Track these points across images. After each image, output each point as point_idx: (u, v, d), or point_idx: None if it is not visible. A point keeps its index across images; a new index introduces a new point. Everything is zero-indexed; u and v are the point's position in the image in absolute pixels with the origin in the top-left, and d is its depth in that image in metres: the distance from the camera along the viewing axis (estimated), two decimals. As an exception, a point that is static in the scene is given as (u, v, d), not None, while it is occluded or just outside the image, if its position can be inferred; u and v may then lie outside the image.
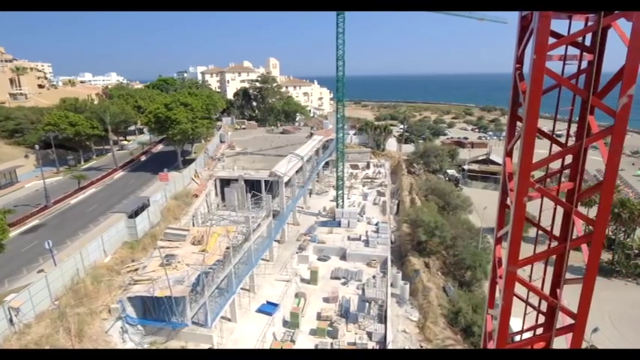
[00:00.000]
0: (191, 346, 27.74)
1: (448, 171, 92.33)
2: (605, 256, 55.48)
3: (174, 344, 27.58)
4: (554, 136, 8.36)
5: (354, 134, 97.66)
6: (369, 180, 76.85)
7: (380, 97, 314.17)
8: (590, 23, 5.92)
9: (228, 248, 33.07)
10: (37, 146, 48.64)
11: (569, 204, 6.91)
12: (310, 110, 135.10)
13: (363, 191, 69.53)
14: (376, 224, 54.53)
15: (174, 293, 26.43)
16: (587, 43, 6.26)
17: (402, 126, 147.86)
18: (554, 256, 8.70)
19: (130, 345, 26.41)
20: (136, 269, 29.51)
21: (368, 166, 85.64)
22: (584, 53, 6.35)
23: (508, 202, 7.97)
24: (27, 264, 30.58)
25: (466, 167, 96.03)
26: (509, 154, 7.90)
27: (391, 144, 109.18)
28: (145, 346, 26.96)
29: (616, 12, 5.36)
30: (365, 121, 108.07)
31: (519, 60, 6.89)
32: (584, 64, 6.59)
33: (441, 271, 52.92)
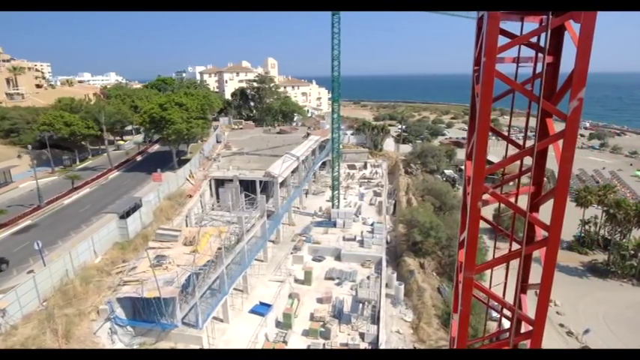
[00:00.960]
0: (181, 347, 27.66)
1: (445, 171, 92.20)
2: (601, 256, 55.44)
3: (164, 345, 27.50)
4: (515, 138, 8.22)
5: (352, 134, 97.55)
6: (366, 180, 76.77)
7: (379, 97, 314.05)
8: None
9: (219, 249, 32.97)
10: (29, 146, 48.51)
11: (522, 209, 6.79)
12: (308, 110, 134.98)
13: (359, 191, 69.41)
14: (372, 225, 54.42)
15: (163, 294, 26.33)
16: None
17: (400, 126, 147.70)
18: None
19: (119, 346, 26.33)
20: (126, 270, 29.41)
21: (365, 167, 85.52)
22: (541, 55, 6.21)
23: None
24: (17, 265, 30.49)
25: (464, 167, 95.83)
26: (469, 157, 7.78)
27: (389, 144, 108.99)
28: (135, 347, 26.89)
29: (565, 13, 5.23)
30: (363, 121, 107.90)
31: (477, 62, 6.76)
32: (541, 67, 6.44)
33: (436, 272, 52.81)
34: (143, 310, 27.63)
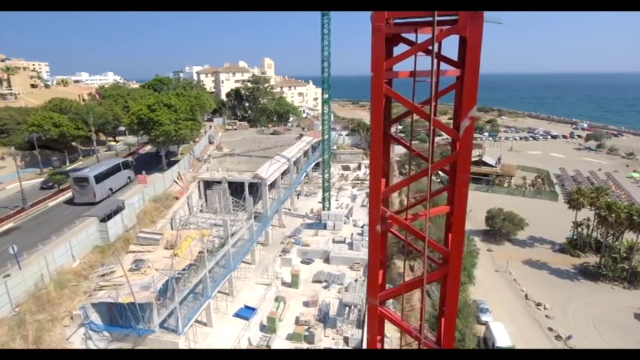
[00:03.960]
0: (158, 352, 27.28)
1: (440, 172, 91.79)
2: (593, 259, 55.02)
3: (141, 351, 27.11)
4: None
5: (347, 135, 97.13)
6: (359, 182, 76.31)
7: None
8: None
9: (201, 252, 32.58)
10: (12, 147, 48.15)
11: (421, 233, 6.39)
12: (304, 111, 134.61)
13: (352, 193, 68.98)
14: (362, 227, 54.00)
15: (139, 299, 25.96)
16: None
17: (398, 126, 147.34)
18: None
19: (95, 352, 25.96)
20: (104, 274, 29.05)
21: (359, 168, 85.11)
22: (453, 69, 5.79)
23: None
24: (-5, 269, 30.08)
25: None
26: (383, 175, 7.36)
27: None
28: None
29: (450, 27, 4.81)
30: (358, 122, 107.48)
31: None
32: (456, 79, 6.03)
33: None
34: (120, 316, 27.26)
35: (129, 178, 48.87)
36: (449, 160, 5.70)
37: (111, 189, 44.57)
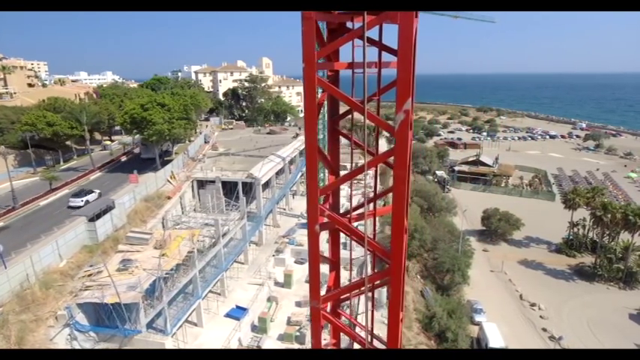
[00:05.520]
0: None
1: (437, 172, 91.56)
2: (589, 259, 54.74)
3: (128, 352, 26.87)
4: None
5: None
6: (355, 181, 75.95)
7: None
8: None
9: (190, 252, 32.31)
10: (2, 147, 47.88)
11: (360, 233, 6.11)
12: (301, 110, 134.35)
13: (348, 192, 68.61)
14: (356, 226, 53.68)
15: (125, 299, 25.70)
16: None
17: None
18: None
19: (81, 352, 25.69)
20: (91, 274, 28.78)
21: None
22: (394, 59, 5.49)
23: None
24: (-18, 268, 29.80)
25: (456, 168, 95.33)
26: (332, 172, 7.09)
27: (381, 144, 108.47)
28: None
29: (380, 13, 4.54)
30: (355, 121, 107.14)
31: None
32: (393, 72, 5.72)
33: (420, 275, 52.20)
34: (106, 316, 27.00)
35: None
36: (386, 156, 5.43)
37: None
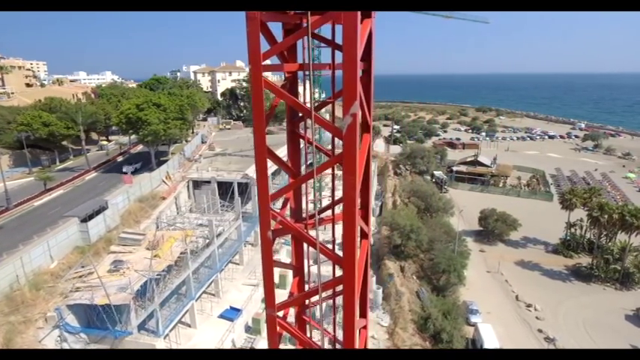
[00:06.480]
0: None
1: (435, 172, 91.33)
2: (586, 260, 54.55)
3: (119, 353, 26.70)
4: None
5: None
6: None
7: (377, 97, 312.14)
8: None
9: (183, 253, 32.16)
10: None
11: (312, 239, 5.97)
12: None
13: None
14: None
15: (116, 301, 25.56)
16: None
17: (396, 126, 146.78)
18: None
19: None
20: (82, 275, 28.63)
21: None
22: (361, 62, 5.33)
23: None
24: (-27, 269, 29.64)
25: (454, 169, 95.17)
26: (292, 176, 6.93)
27: (379, 145, 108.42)
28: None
29: (324, 13, 4.40)
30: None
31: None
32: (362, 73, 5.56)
33: (416, 275, 52.02)
34: (97, 317, 26.85)
35: None
36: (335, 161, 5.28)
37: None
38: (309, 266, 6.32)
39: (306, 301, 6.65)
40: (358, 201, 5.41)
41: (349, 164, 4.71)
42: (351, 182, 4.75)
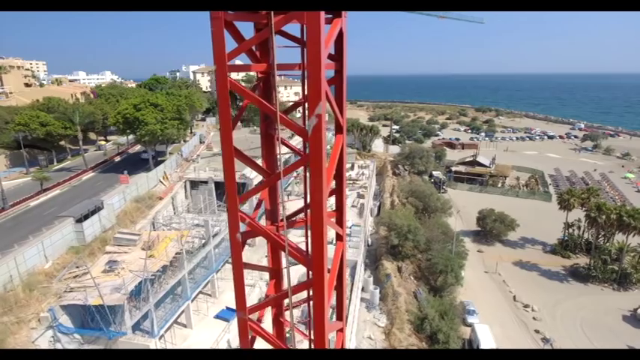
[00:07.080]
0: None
1: (434, 172, 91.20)
2: (584, 260, 54.46)
3: (113, 354, 26.63)
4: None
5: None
6: (351, 182, 75.81)
7: (377, 97, 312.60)
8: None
9: (178, 253, 32.09)
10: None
11: (281, 242, 5.89)
12: (299, 110, 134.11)
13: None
14: (350, 227, 53.43)
15: (109, 301, 25.48)
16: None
17: (395, 126, 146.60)
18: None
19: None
20: (77, 275, 28.55)
21: (352, 168, 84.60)
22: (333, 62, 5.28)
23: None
24: (-32, 270, 29.57)
25: (453, 169, 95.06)
26: (267, 177, 6.84)
27: (378, 145, 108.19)
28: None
29: (286, 13, 4.33)
30: (351, 122, 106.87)
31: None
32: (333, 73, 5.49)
33: (414, 276, 51.91)
34: (91, 318, 26.78)
35: None
36: (301, 163, 5.23)
37: None
38: (288, 268, 6.28)
39: (285, 304, 6.57)
40: (329, 203, 5.34)
41: (316, 166, 4.64)
42: (318, 185, 4.69)
